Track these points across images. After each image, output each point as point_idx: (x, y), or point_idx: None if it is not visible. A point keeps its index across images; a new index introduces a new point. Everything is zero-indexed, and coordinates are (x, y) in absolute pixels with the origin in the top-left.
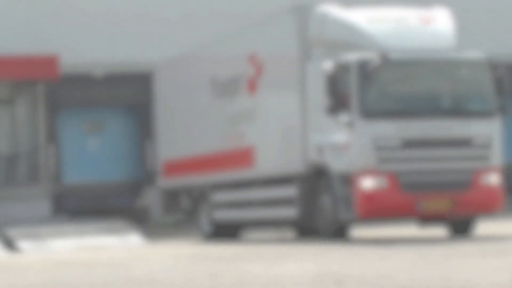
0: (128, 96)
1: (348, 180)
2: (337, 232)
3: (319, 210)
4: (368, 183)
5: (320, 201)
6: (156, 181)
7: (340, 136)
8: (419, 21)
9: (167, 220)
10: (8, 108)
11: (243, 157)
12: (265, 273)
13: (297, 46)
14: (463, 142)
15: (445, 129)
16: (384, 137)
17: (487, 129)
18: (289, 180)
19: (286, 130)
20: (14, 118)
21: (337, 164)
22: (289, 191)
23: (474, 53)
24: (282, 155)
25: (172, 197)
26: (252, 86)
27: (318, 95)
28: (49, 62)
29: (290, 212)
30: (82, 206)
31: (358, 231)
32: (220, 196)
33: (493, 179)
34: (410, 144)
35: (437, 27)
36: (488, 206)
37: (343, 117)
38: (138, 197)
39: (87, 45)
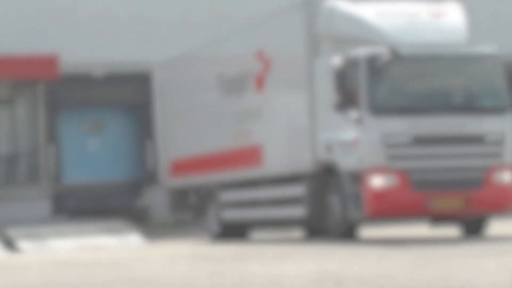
0: (128, 96)
1: (357, 178)
2: (346, 232)
3: (327, 209)
4: (377, 181)
5: (328, 200)
6: (156, 181)
7: (349, 133)
8: (430, 15)
9: (175, 219)
10: (8, 108)
11: (251, 155)
12: (265, 273)
13: (304, 41)
14: (475, 139)
15: (457, 125)
16: (394, 134)
17: (500, 126)
18: (298, 179)
19: (294, 128)
20: (14, 118)
21: (346, 162)
22: (298, 190)
23: (486, 48)
24: (290, 153)
25: (179, 197)
26: (260, 83)
27: (327, 91)
28: (49, 62)
29: (298, 211)
30: (82, 206)
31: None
32: (228, 196)
33: (507, 177)
34: (421, 141)
35: (449, 21)
36: (501, 205)
37: (352, 114)
38: (138, 197)
39: (87, 45)
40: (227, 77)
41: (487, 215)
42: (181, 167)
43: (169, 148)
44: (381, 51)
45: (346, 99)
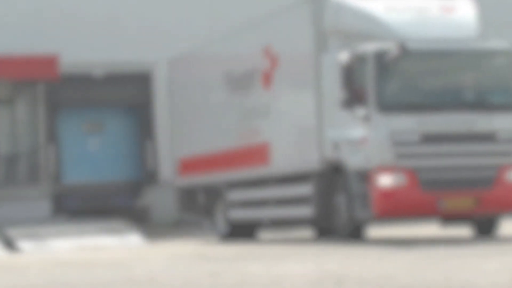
0: (128, 96)
1: (365, 177)
2: (353, 232)
3: (335, 209)
4: (385, 180)
5: (335, 200)
6: (156, 181)
7: (356, 131)
8: (440, 10)
9: (180, 219)
10: (8, 108)
11: (258, 154)
12: (265, 273)
13: (312, 37)
14: (486, 137)
15: (467, 123)
16: (403, 132)
17: None
18: (305, 178)
19: (301, 126)
20: (14, 118)
21: (353, 161)
22: (305, 189)
23: (498, 43)
24: (297, 151)
25: (187, 196)
26: (267, 80)
27: (334, 88)
28: (49, 62)
29: (305, 211)
30: (82, 206)
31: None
32: (236, 195)
33: None
34: (430, 139)
35: (459, 16)
36: None
37: (360, 111)
38: (138, 197)
39: (87, 45)
40: (235, 75)
41: (499, 215)
42: (189, 166)
43: (177, 146)
44: (390, 46)
45: (353, 96)
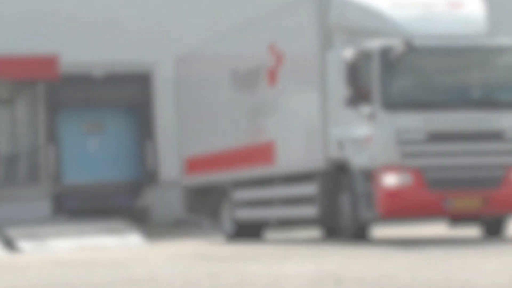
0: (128, 96)
1: (370, 176)
2: (358, 233)
3: (339, 208)
4: (390, 180)
5: (340, 199)
6: (156, 181)
7: (361, 129)
8: (447, 5)
9: (188, 219)
10: (8, 108)
11: (263, 153)
12: (265, 273)
13: (316, 34)
14: (494, 136)
15: (475, 121)
16: (408, 130)
17: None
18: (310, 177)
19: (306, 124)
20: (14, 118)
21: (358, 160)
22: (310, 189)
23: (506, 40)
24: (302, 150)
25: (194, 195)
26: (272, 77)
27: (339, 85)
28: (49, 62)
29: (310, 211)
30: (82, 206)
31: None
32: (242, 194)
33: None
34: (436, 137)
35: (467, 12)
36: None
37: (364, 109)
38: (138, 197)
39: (87, 45)
40: (240, 72)
41: (507, 215)
42: (195, 165)
43: (184, 145)
44: (395, 43)
45: (358, 93)
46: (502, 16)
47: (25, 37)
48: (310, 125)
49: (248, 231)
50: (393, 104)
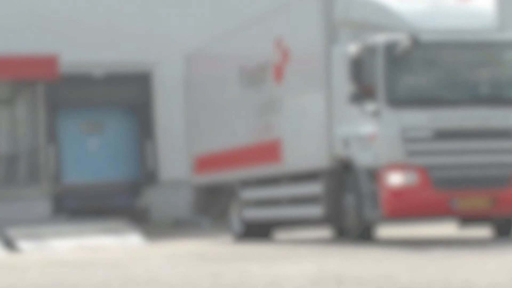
0: (128, 96)
1: (374, 175)
2: (364, 233)
3: (344, 208)
4: (395, 179)
5: (345, 199)
6: (156, 181)
7: (366, 127)
8: None
9: (192, 219)
10: (8, 108)
11: (270, 151)
12: (265, 273)
13: (322, 29)
14: (502, 134)
15: (483, 118)
16: (414, 128)
17: None
18: (315, 176)
19: (311, 121)
20: (14, 118)
21: (363, 158)
22: (315, 188)
23: None
24: (308, 148)
25: (204, 194)
26: (279, 73)
27: (344, 82)
28: (49, 62)
29: (315, 210)
30: (82, 206)
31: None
32: (250, 194)
33: None
34: (443, 135)
35: (476, 5)
36: None
37: (369, 106)
38: (138, 197)
39: (87, 45)
40: (248, 69)
41: None
42: (204, 164)
43: (193, 144)
44: (400, 38)
45: (362, 90)
46: (511, 10)
47: (25, 37)
48: (316, 123)
49: (257, 231)
50: (398, 100)
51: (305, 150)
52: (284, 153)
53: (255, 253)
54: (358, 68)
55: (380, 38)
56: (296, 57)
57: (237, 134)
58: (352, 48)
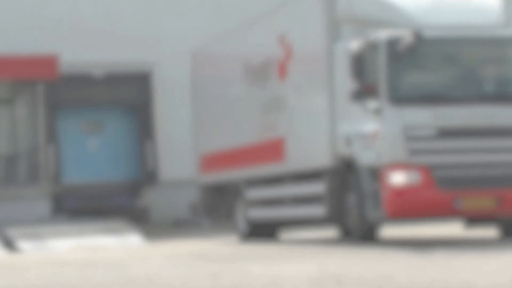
0: (128, 96)
1: (377, 174)
2: (367, 233)
3: (347, 208)
4: (398, 178)
5: (348, 198)
6: (156, 181)
7: (368, 125)
8: None
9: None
10: (8, 108)
11: (274, 150)
12: (265, 273)
13: (324, 25)
14: (508, 132)
15: (488, 116)
16: (417, 126)
17: None
18: (318, 175)
19: (314, 119)
20: (14, 118)
21: (365, 157)
22: (318, 187)
23: None
24: (310, 147)
25: (210, 194)
26: (282, 70)
27: (347, 79)
28: (48, 62)
29: (318, 210)
30: (81, 206)
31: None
32: (255, 193)
33: None
34: (447, 133)
35: (481, 1)
36: None
37: (371, 104)
38: (138, 197)
39: (87, 45)
40: (252, 66)
41: None
42: (210, 163)
43: (199, 143)
44: (403, 33)
45: (364, 87)
46: None
47: (25, 37)
48: (318, 121)
49: (262, 231)
50: (400, 98)
51: (308, 149)
52: (288, 152)
53: (256, 253)
54: (360, 65)
55: (382, 34)
56: (299, 54)
57: (242, 133)
58: (354, 45)
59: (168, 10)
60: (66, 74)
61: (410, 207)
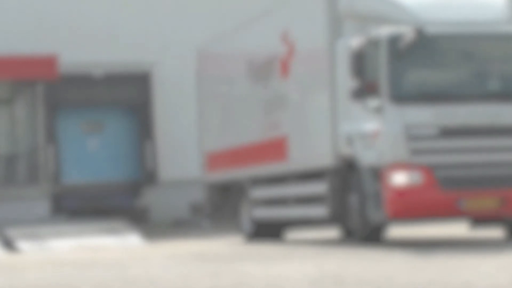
0: (128, 96)
1: (378, 175)
2: (371, 235)
3: (349, 209)
4: (399, 179)
5: (350, 199)
6: (156, 181)
7: (369, 124)
8: None
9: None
10: (8, 108)
11: (277, 148)
12: (264, 273)
13: (326, 21)
14: None
15: (492, 115)
16: (419, 125)
17: None
18: (320, 174)
19: (315, 118)
20: (14, 118)
21: (366, 157)
22: (320, 187)
23: None
24: (312, 146)
25: (216, 193)
26: (285, 68)
27: (348, 77)
28: (48, 62)
29: (320, 210)
30: (81, 206)
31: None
32: (259, 192)
33: None
34: (449, 133)
35: None
36: None
37: (371, 102)
38: (138, 197)
39: (87, 45)
40: (256, 64)
41: None
42: (214, 162)
43: (205, 141)
44: (405, 30)
45: (365, 85)
46: None
47: (25, 37)
48: (320, 120)
49: (268, 231)
50: (402, 96)
51: (310, 148)
52: (290, 151)
53: (256, 253)
54: (361, 62)
55: (383, 31)
56: (302, 52)
57: (246, 131)
58: (354, 42)
59: (168, 10)
60: (66, 74)
61: (412, 208)
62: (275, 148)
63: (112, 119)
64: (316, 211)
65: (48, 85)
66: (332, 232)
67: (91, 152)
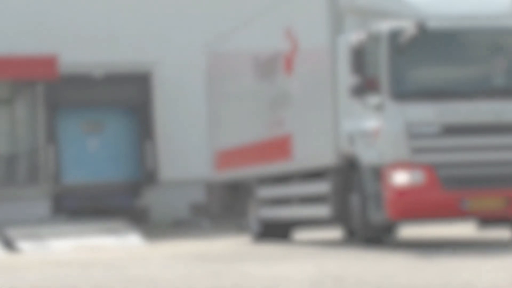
0: (128, 96)
1: (379, 174)
2: (374, 238)
3: (350, 209)
4: (400, 178)
5: (351, 199)
6: (156, 181)
7: (369, 122)
8: None
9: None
10: (8, 108)
11: (282, 147)
12: (264, 274)
13: (327, 16)
14: None
15: (495, 112)
16: (420, 123)
17: None
18: (323, 174)
19: (318, 116)
20: (14, 118)
21: (367, 156)
22: (322, 187)
23: None
24: (315, 145)
25: (225, 193)
26: (289, 64)
27: (348, 73)
28: (48, 62)
29: (323, 210)
30: (81, 206)
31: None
32: (265, 192)
33: None
34: (452, 130)
35: None
36: None
37: (372, 99)
38: (138, 197)
39: (87, 45)
40: (261, 60)
41: None
42: (222, 160)
43: (213, 140)
44: (406, 25)
45: (365, 82)
46: None
47: (25, 37)
48: (322, 118)
49: (275, 231)
50: (403, 93)
51: (313, 147)
52: (295, 149)
53: (255, 253)
54: (361, 58)
55: (384, 26)
56: (304, 48)
57: (253, 130)
58: (354, 37)
59: (168, 10)
60: (66, 74)
61: (413, 209)
62: (280, 147)
63: (112, 119)
64: (319, 211)
65: (48, 85)
66: (338, 232)
67: (91, 152)
